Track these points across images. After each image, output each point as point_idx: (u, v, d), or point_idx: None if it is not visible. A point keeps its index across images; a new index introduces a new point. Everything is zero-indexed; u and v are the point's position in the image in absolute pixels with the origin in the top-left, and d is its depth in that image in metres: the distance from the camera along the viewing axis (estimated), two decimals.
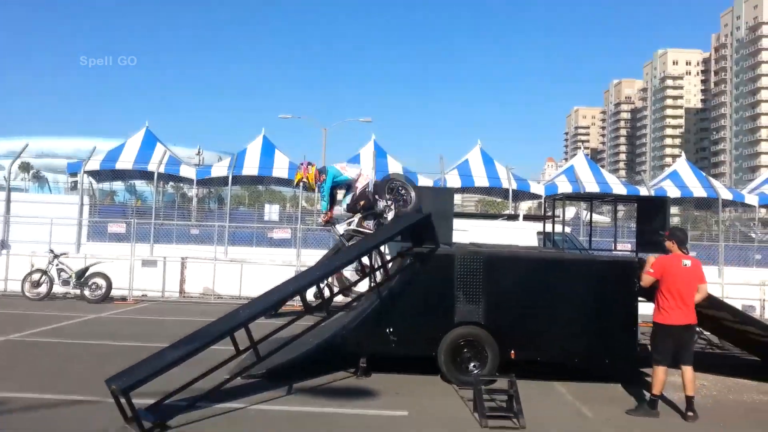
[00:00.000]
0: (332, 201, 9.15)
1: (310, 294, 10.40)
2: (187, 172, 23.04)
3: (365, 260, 8.18)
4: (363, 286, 8.41)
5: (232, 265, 16.06)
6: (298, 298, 7.07)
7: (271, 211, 21.74)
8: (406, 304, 7.61)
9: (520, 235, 12.85)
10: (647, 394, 6.78)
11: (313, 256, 14.95)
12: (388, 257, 8.84)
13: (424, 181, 20.06)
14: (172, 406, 5.85)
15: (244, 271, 15.81)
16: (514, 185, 20.53)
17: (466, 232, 11.07)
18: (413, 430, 5.83)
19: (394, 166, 22.00)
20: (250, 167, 22.00)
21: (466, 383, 7.03)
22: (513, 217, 16.08)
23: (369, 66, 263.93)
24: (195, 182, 23.55)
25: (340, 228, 9.00)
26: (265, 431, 5.69)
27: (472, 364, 7.37)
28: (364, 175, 8.95)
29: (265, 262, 15.82)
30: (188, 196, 32.37)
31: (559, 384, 7.59)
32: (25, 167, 59.78)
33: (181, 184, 33.10)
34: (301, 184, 9.17)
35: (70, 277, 14.35)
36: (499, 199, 24.00)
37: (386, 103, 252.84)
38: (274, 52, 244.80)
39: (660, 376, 6.46)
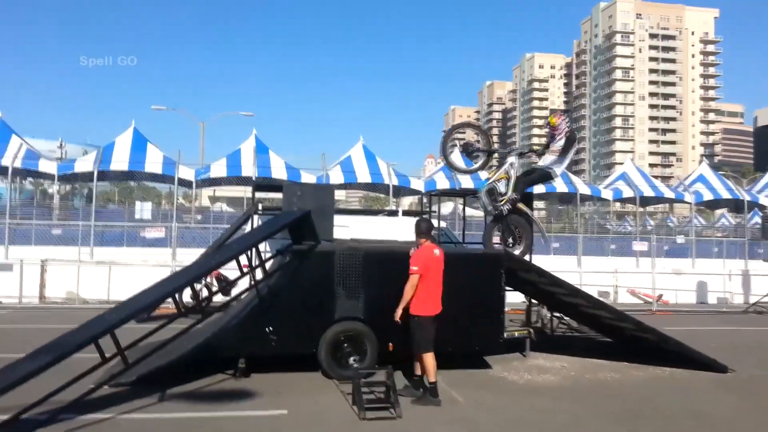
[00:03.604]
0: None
1: (187, 296, 10.00)
2: (47, 166, 21.22)
3: (244, 259, 8.02)
4: (244, 285, 8.26)
5: (100, 268, 15.03)
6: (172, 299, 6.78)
7: (143, 209, 20.55)
8: (285, 301, 7.55)
9: (400, 230, 13.20)
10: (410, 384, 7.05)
11: (190, 256, 14.36)
12: (268, 255, 8.72)
13: (306, 177, 19.99)
14: (31, 420, 5.40)
15: (114, 273, 14.86)
16: (395, 181, 21.04)
17: (347, 229, 11.20)
18: (292, 427, 5.83)
19: (277, 162, 21.71)
20: (120, 162, 20.68)
21: (346, 377, 7.12)
22: (393, 213, 16.48)
23: (248, 62, 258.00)
24: (56, 178, 21.78)
25: None
26: None
27: (352, 359, 7.47)
28: None
29: (137, 263, 14.97)
30: (49, 193, 29.77)
31: None
32: None
33: (41, 180, 30.40)
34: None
35: None
36: (382, 195, 24.47)
37: (268, 100, 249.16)
38: (145, 41, 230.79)
39: (433, 362, 6.59)
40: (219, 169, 21.94)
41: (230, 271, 11.49)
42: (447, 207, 27.89)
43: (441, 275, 6.82)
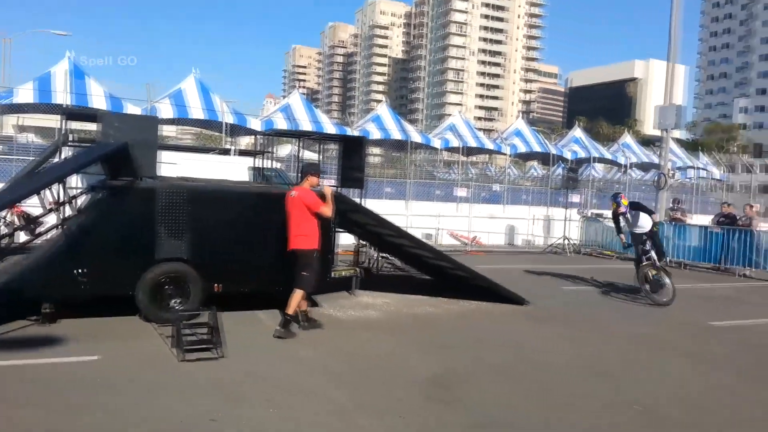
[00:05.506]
0: None
1: None
2: None
3: (52, 194, 7.26)
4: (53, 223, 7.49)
5: None
6: None
7: None
8: (98, 241, 6.99)
9: (233, 169, 12.80)
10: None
11: None
12: (81, 190, 7.99)
13: (132, 109, 18.35)
14: None
15: None
16: (231, 119, 20.16)
17: (176, 166, 10.61)
18: (104, 372, 5.52)
19: (96, 90, 19.63)
20: None
21: (168, 320, 6.87)
22: (225, 152, 15.90)
23: None
24: None
25: None
26: None
27: (174, 301, 7.21)
28: None
29: None
30: None
31: (262, 312, 7.94)
32: None
33: None
34: None
35: None
36: (218, 133, 23.34)
37: (91, 24, 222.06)
38: None
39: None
40: (26, 94, 19.26)
41: (36, 207, 10.39)
42: (285, 149, 27.50)
43: (292, 216, 7.13)
